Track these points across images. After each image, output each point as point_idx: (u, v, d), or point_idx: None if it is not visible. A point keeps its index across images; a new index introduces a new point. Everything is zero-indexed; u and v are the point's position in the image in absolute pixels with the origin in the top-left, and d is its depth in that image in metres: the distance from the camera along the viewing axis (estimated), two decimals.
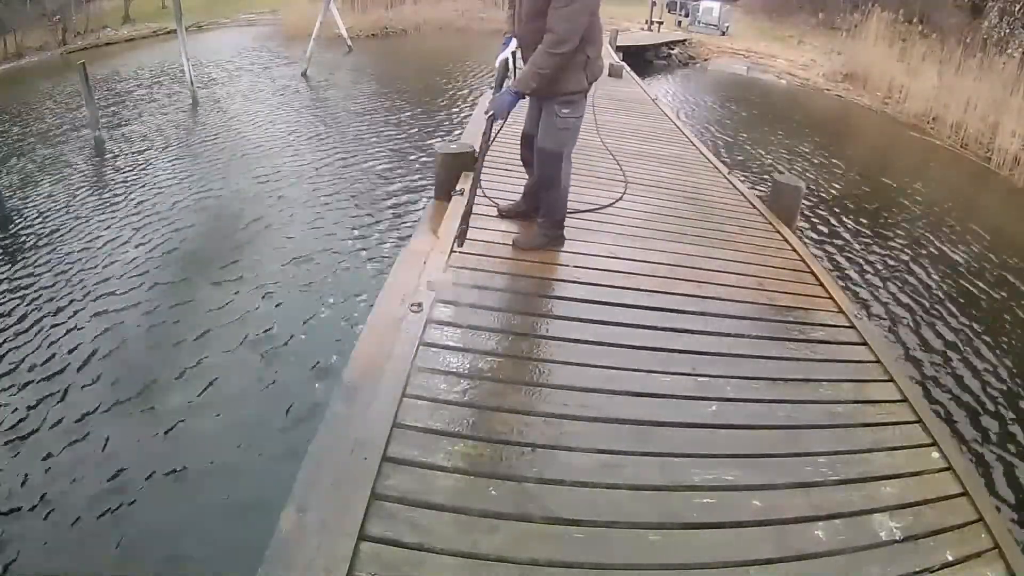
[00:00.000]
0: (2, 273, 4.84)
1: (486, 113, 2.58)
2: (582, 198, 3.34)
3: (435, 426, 1.75)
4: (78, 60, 8.73)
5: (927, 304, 4.98)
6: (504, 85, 2.62)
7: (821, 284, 3.02)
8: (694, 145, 5.43)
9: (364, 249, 5.10)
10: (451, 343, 2.10)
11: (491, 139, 2.60)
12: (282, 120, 8.98)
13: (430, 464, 1.62)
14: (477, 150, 3.42)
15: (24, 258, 5.07)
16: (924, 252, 5.97)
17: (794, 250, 3.37)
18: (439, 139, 7.67)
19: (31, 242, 5.34)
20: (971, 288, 5.35)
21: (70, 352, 3.80)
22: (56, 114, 9.58)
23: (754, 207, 3.95)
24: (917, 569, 1.58)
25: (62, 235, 5.41)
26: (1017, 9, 11.75)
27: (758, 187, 6.09)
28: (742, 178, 5.22)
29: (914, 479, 1.88)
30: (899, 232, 6.39)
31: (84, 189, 6.49)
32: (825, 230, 6.21)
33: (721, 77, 15.23)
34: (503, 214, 3.04)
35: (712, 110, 11.52)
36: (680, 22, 19.80)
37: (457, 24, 18.17)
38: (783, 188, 3.90)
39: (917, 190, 7.78)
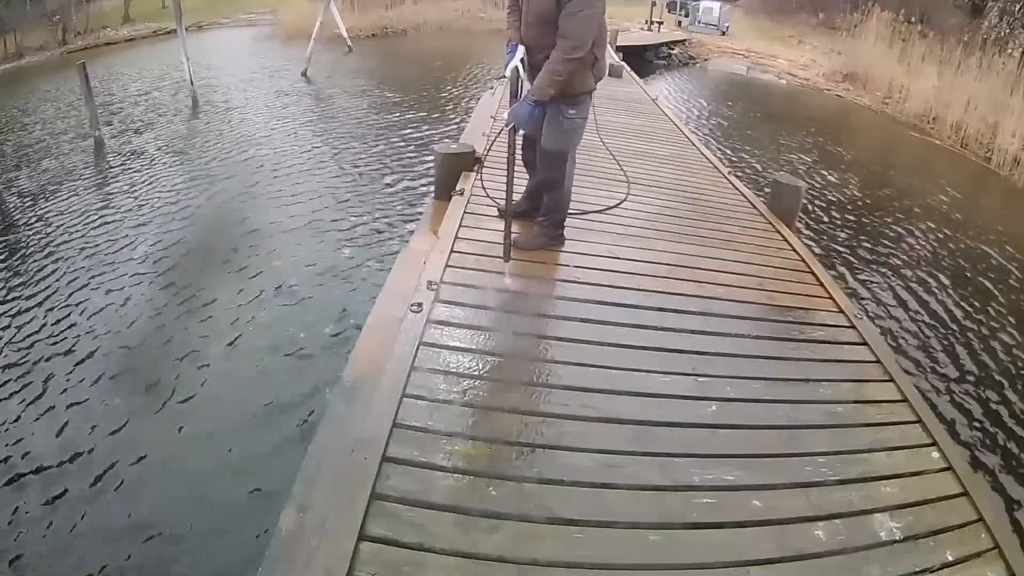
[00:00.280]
0: (2, 271, 4.86)
1: (506, 125, 2.56)
2: (583, 199, 3.34)
3: (435, 426, 1.74)
4: (78, 60, 8.73)
5: (927, 304, 4.97)
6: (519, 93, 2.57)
7: (821, 284, 3.02)
8: (694, 145, 5.43)
9: (364, 249, 5.10)
10: (451, 343, 2.10)
11: (512, 150, 2.57)
12: (282, 120, 8.98)
13: (430, 464, 1.62)
14: (478, 151, 3.43)
15: (24, 257, 5.08)
16: (924, 252, 5.97)
17: (794, 250, 3.37)
18: (439, 139, 7.67)
19: (30, 241, 5.34)
20: (971, 288, 5.34)
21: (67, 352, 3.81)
22: (56, 114, 9.58)
23: (754, 207, 3.95)
24: (917, 569, 1.58)
25: (62, 235, 5.40)
26: (1017, 9, 11.75)
27: (758, 187, 6.09)
28: (742, 178, 5.22)
29: (914, 479, 1.88)
30: (899, 232, 6.38)
31: (84, 189, 6.49)
32: (825, 230, 6.20)
33: (721, 77, 15.22)
34: (503, 214, 3.04)
35: (712, 110, 11.51)
36: (680, 22, 19.80)
37: (457, 24, 18.17)
38: (783, 188, 3.90)
39: (917, 190, 7.78)
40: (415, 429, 1.72)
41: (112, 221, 5.65)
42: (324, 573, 1.31)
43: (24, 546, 2.58)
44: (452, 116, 9.26)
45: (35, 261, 5.00)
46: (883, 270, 5.49)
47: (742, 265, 3.05)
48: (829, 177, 7.87)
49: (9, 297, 4.48)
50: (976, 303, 5.10)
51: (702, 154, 5.16)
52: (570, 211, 2.95)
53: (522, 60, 2.55)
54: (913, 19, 13.40)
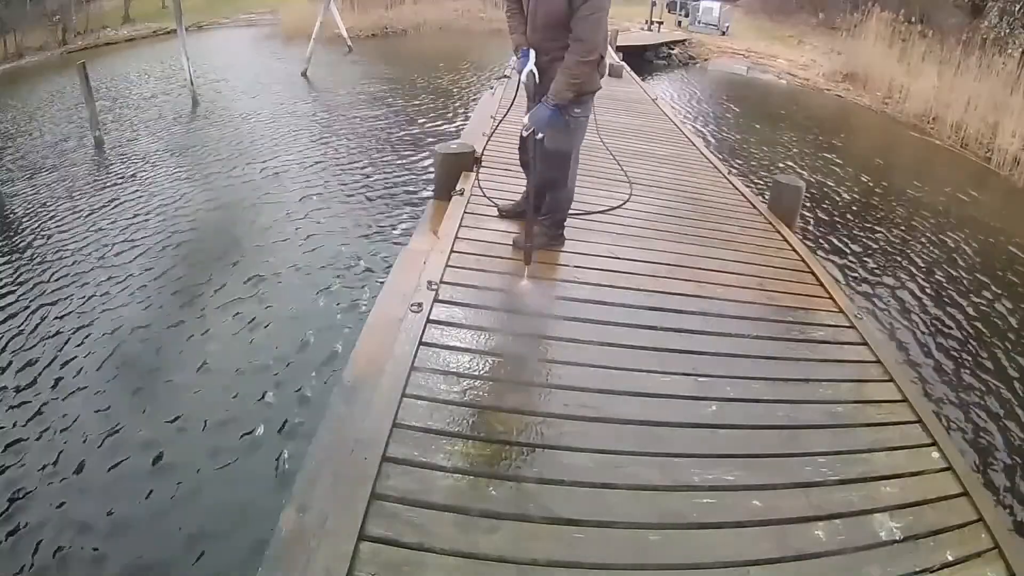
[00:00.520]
0: (2, 269, 4.85)
1: (526, 130, 2.56)
2: (584, 199, 3.34)
3: (435, 426, 1.74)
4: (78, 60, 8.73)
5: (927, 304, 4.97)
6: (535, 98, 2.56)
7: (821, 284, 3.02)
8: (694, 145, 5.43)
9: (363, 249, 5.10)
10: (451, 343, 2.10)
11: (534, 156, 2.57)
12: (282, 120, 8.98)
13: (430, 464, 1.62)
14: (478, 151, 3.43)
15: (23, 256, 5.07)
16: (924, 252, 5.97)
17: (794, 250, 3.37)
18: (439, 139, 7.67)
19: (30, 241, 5.34)
20: (971, 288, 5.34)
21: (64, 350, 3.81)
22: (56, 114, 9.59)
23: (754, 207, 3.95)
24: (917, 569, 1.58)
25: (61, 234, 5.41)
26: (1017, 9, 11.73)
27: (758, 187, 6.09)
28: (742, 178, 5.22)
29: (914, 479, 1.88)
30: (899, 232, 6.38)
31: (84, 189, 6.49)
32: (825, 230, 6.20)
33: (721, 77, 15.22)
34: (503, 214, 3.04)
35: (712, 110, 11.51)
36: (680, 22, 19.79)
37: (457, 24, 18.17)
38: (783, 188, 3.90)
39: (917, 190, 7.78)
40: (415, 429, 1.72)
41: (112, 221, 5.64)
42: (324, 573, 1.31)
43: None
44: (452, 116, 9.26)
45: (35, 261, 4.99)
46: (883, 270, 5.49)
47: (742, 265, 3.05)
48: (829, 177, 7.87)
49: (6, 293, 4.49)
50: (976, 303, 5.10)
51: (702, 154, 5.15)
52: (573, 211, 2.95)
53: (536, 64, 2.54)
54: (913, 19, 13.39)
